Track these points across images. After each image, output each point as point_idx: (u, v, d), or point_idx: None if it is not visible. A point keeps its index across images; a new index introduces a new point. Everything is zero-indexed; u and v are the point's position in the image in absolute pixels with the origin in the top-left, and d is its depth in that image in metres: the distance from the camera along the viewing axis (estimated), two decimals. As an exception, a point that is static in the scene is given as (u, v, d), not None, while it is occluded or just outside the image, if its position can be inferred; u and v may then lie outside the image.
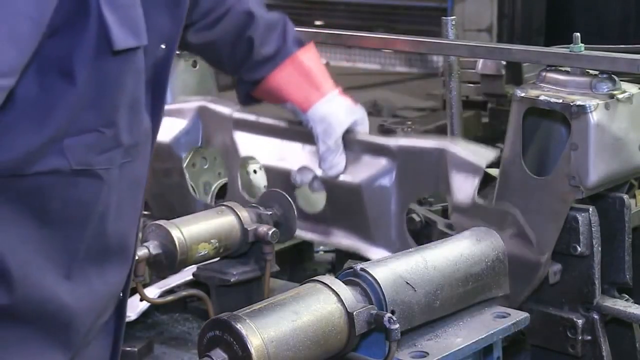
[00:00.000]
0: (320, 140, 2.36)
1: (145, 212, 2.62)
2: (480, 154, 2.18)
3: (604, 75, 2.03)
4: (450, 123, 2.60)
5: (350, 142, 2.39)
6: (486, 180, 2.19)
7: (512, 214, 2.04)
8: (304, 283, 1.70)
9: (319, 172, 2.42)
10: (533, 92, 2.05)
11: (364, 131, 2.41)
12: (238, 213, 2.22)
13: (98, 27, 1.42)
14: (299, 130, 2.45)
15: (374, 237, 2.32)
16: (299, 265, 2.77)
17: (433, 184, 2.28)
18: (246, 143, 2.59)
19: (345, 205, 2.39)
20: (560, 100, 1.98)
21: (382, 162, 2.34)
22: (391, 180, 2.33)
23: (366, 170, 2.36)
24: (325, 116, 2.36)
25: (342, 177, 2.38)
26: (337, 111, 2.36)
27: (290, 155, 2.49)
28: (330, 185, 2.41)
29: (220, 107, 2.65)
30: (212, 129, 2.67)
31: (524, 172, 2.05)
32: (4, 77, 1.34)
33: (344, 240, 2.42)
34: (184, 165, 2.72)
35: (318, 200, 2.50)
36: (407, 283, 1.73)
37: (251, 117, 2.58)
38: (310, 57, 2.41)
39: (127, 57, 1.47)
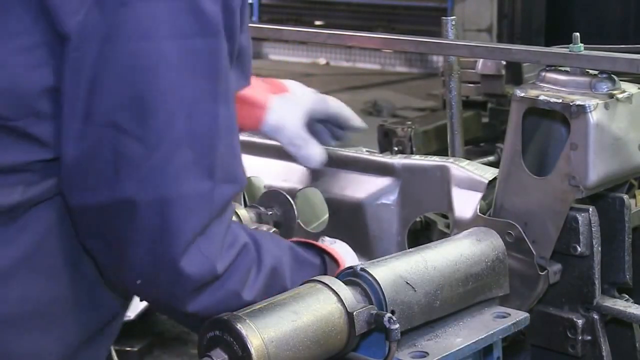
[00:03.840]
0: (289, 145, 2.27)
1: None
2: (483, 170, 2.19)
3: (604, 75, 2.03)
4: (450, 123, 2.59)
5: (353, 160, 2.39)
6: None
7: (513, 226, 2.03)
8: (304, 283, 1.70)
9: (323, 191, 2.41)
10: (533, 92, 2.05)
11: (335, 103, 2.34)
12: (238, 212, 2.22)
13: None
14: None
15: (374, 255, 2.32)
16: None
17: (436, 203, 2.27)
18: (251, 165, 2.58)
19: (347, 222, 2.39)
20: (560, 100, 1.99)
21: (385, 180, 2.34)
22: (394, 198, 2.33)
23: (368, 187, 2.36)
24: (278, 126, 2.25)
25: (344, 194, 2.38)
26: (285, 113, 2.26)
27: (294, 176, 2.49)
28: (332, 202, 2.41)
29: None
30: None
31: (524, 172, 2.05)
32: None
33: None
34: None
35: (320, 219, 2.50)
36: (407, 283, 1.73)
37: (255, 140, 2.57)
38: None
39: None
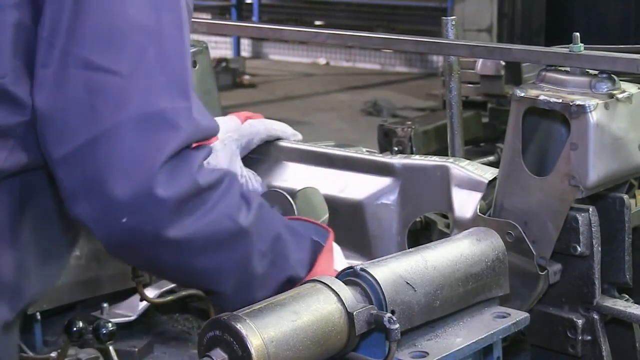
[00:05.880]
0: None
1: None
2: (483, 170, 2.19)
3: (604, 75, 2.03)
4: (450, 123, 2.59)
5: (353, 160, 2.39)
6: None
7: (513, 226, 2.04)
8: (304, 283, 1.70)
9: (323, 191, 2.41)
10: (533, 92, 2.05)
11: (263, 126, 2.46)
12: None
13: None
14: (306, 150, 2.45)
15: (374, 255, 2.32)
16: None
17: (436, 203, 2.27)
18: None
19: (347, 222, 2.39)
20: (560, 100, 1.99)
21: (385, 180, 2.34)
22: (394, 198, 2.33)
23: (368, 187, 2.36)
24: None
25: (344, 194, 2.38)
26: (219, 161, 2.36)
27: (291, 177, 2.49)
28: (332, 202, 2.41)
29: None
30: None
31: (524, 172, 2.05)
32: None
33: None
34: None
35: (321, 219, 2.50)
36: (407, 283, 1.73)
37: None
38: None
39: None
